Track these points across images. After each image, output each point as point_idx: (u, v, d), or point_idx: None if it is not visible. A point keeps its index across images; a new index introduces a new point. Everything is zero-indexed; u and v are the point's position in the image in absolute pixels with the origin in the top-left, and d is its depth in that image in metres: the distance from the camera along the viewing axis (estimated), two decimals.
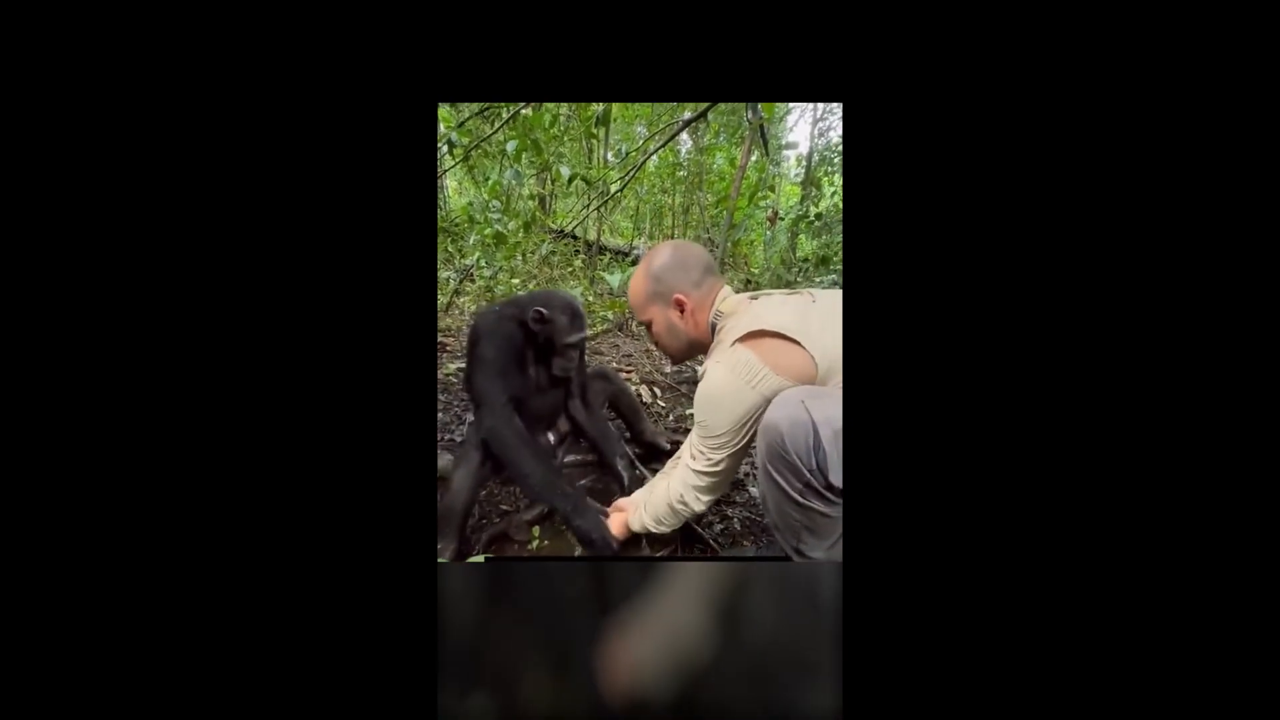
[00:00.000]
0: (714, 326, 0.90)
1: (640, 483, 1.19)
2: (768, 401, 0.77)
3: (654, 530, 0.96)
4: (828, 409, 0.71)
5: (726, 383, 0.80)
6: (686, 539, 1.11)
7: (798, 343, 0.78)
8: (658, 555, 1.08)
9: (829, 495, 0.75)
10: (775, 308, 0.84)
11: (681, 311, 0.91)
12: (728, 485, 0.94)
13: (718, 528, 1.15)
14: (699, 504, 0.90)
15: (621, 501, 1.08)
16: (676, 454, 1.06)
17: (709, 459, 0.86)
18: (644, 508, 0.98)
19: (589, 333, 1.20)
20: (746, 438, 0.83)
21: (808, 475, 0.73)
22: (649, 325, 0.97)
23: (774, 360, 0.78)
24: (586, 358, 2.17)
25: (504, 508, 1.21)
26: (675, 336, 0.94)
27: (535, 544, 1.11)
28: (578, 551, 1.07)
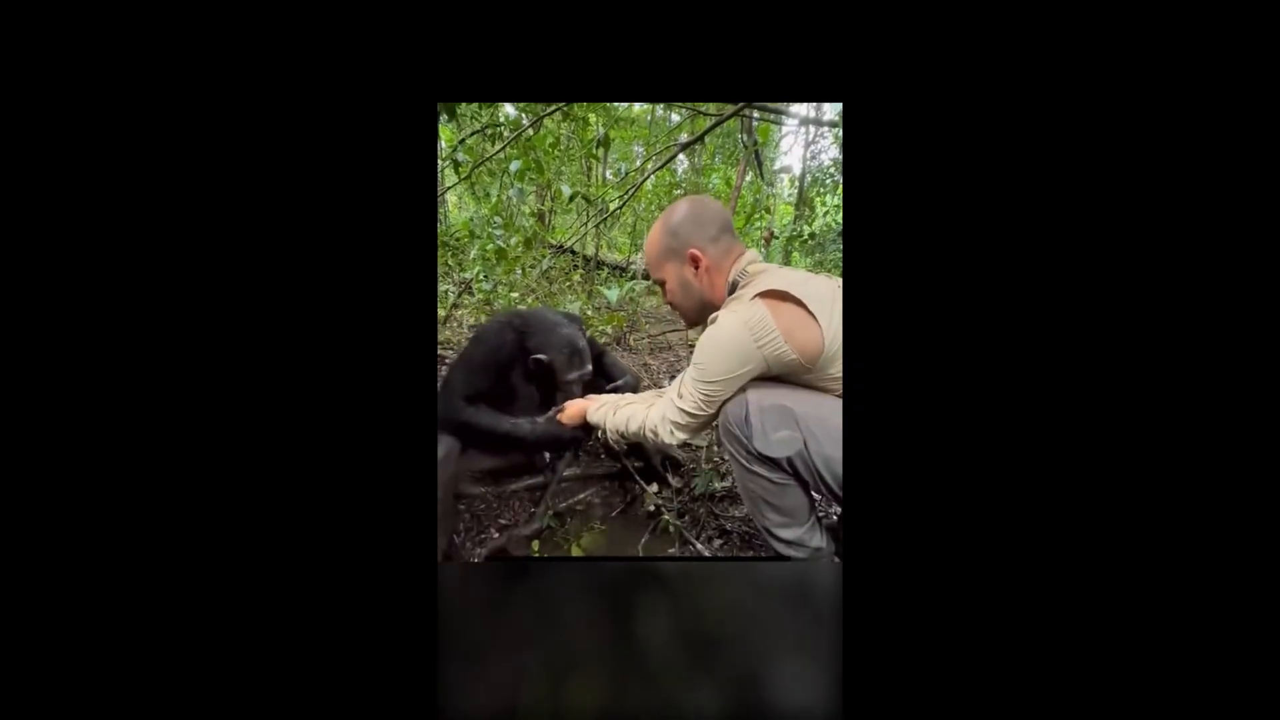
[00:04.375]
0: (734, 285, 0.89)
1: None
2: (766, 365, 0.81)
3: (610, 437, 1.00)
4: (761, 392, 0.83)
5: (735, 332, 0.80)
6: (686, 552, 1.08)
7: (815, 318, 0.78)
8: (657, 556, 1.06)
9: (767, 460, 0.84)
10: (803, 278, 0.84)
11: (696, 267, 0.89)
12: (703, 431, 0.97)
13: (717, 542, 1.13)
14: (671, 438, 0.91)
15: (590, 397, 1.09)
16: (660, 390, 1.07)
17: (695, 401, 0.86)
18: (612, 413, 0.99)
19: (590, 368, 1.20)
20: (733, 393, 0.85)
21: (746, 443, 0.83)
22: (663, 284, 0.95)
23: (786, 326, 0.78)
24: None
25: (502, 522, 1.18)
26: (689, 295, 0.92)
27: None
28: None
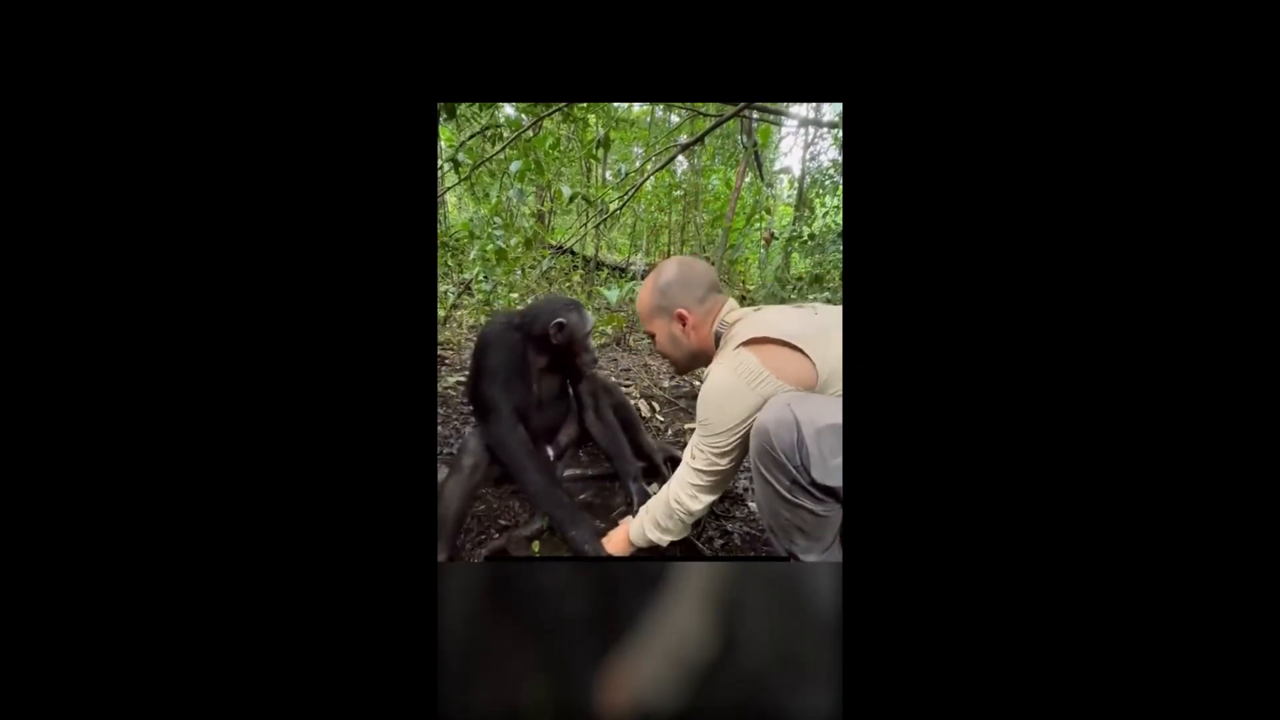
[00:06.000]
0: (718, 337, 0.93)
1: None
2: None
3: (654, 538, 0.97)
4: (810, 409, 0.74)
5: (727, 383, 0.82)
6: (687, 552, 1.08)
7: (800, 350, 0.79)
8: (657, 556, 1.06)
9: (815, 493, 0.76)
10: (779, 317, 0.86)
11: (683, 325, 0.94)
12: (725, 487, 0.95)
13: (718, 543, 1.13)
14: (696, 503, 0.91)
15: (625, 522, 1.08)
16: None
17: (708, 458, 0.87)
18: (645, 513, 0.99)
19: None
20: (744, 438, 0.84)
21: (794, 472, 0.75)
22: (653, 336, 1.00)
23: (776, 365, 0.80)
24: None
25: (502, 523, 1.18)
26: (677, 348, 0.97)
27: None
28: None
